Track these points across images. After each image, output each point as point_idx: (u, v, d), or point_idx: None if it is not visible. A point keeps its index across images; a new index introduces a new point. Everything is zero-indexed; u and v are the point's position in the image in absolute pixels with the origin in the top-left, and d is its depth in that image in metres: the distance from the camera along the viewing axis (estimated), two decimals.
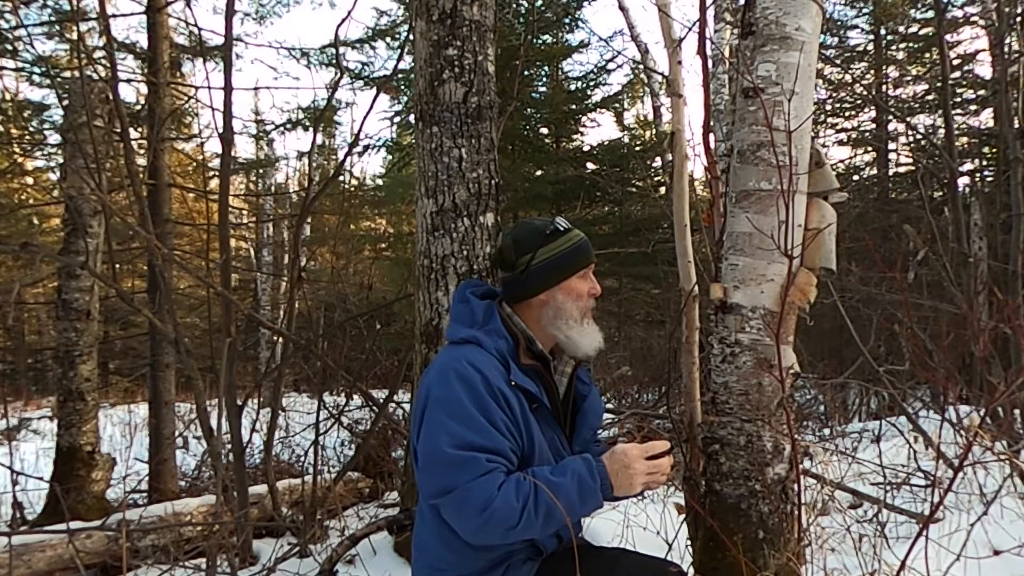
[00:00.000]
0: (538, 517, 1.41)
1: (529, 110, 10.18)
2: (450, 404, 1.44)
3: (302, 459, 5.19)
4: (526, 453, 1.53)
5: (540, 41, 10.04)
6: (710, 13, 5.95)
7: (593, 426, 1.81)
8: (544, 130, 10.75)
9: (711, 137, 2.40)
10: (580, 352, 1.66)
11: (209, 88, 10.36)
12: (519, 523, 1.40)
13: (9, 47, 6.54)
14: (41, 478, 4.92)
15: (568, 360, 1.72)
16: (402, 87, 9.52)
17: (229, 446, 3.87)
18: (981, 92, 10.76)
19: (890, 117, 11.54)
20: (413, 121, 3.41)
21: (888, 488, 3.21)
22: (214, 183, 8.05)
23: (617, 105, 11.77)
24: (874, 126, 12.19)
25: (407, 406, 4.41)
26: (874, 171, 12.56)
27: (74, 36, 6.57)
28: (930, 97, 11.24)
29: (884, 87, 12.00)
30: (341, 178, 9.58)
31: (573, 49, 10.62)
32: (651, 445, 1.53)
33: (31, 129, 8.49)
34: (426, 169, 3.04)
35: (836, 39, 11.78)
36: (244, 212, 14.99)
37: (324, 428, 4.07)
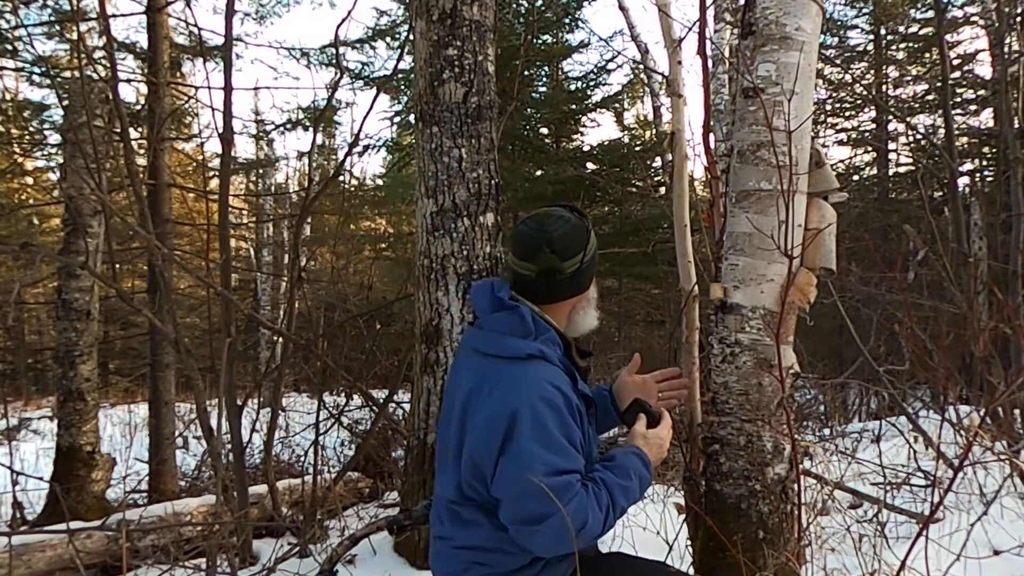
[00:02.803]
0: (614, 521, 1.48)
1: (529, 110, 10.17)
2: (538, 431, 1.42)
3: (302, 459, 5.19)
4: (587, 454, 1.56)
5: (540, 41, 10.03)
6: (710, 13, 5.95)
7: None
8: (544, 130, 10.75)
9: (711, 137, 2.40)
10: (583, 333, 1.69)
11: (209, 88, 10.40)
12: (601, 531, 1.46)
13: (9, 47, 6.54)
14: (41, 478, 4.92)
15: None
16: (402, 87, 9.52)
17: (229, 446, 3.87)
18: (981, 92, 10.75)
19: (890, 117, 11.53)
20: (413, 121, 3.41)
21: (888, 488, 3.22)
22: (214, 183, 8.06)
23: (617, 105, 11.77)
24: (874, 126, 12.18)
25: (407, 406, 4.42)
26: (874, 171, 12.55)
27: (74, 36, 6.57)
28: (930, 97, 11.24)
29: (884, 87, 11.99)
30: (341, 178, 9.57)
31: (573, 49, 10.61)
32: (666, 420, 1.65)
33: (31, 129, 8.49)
34: (426, 169, 3.04)
35: (836, 39, 11.78)
36: (244, 212, 14.99)
37: (324, 428, 4.07)
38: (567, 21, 10.20)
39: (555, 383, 1.48)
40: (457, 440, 1.55)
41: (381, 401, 4.20)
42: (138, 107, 7.64)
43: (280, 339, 6.16)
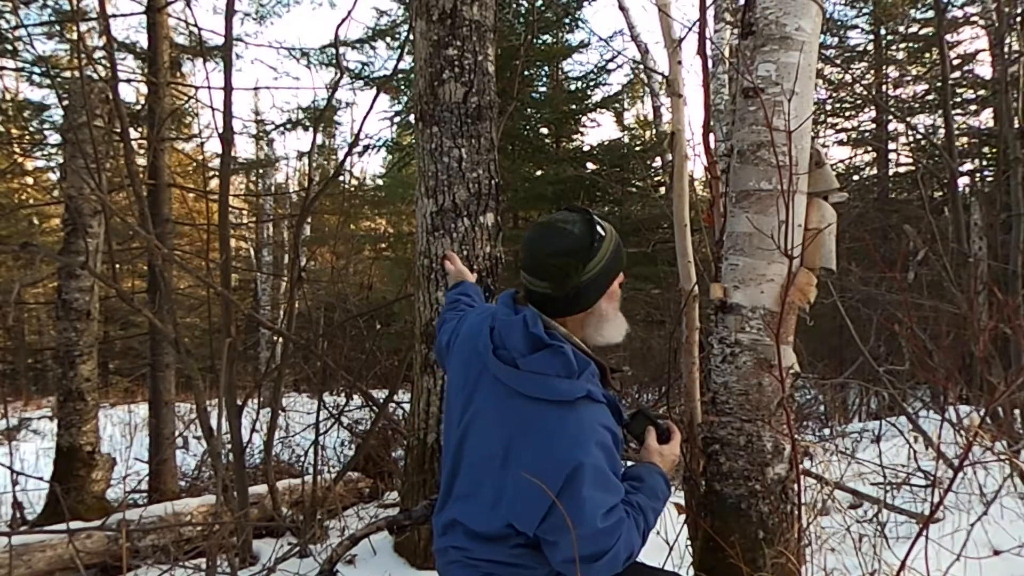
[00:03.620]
0: (645, 542, 1.50)
1: (529, 110, 10.18)
2: (598, 476, 1.43)
3: (302, 459, 5.19)
4: None
5: (540, 41, 10.04)
6: (710, 13, 5.95)
7: None
8: (544, 130, 10.76)
9: (711, 137, 2.40)
10: (607, 342, 1.62)
11: (209, 88, 10.40)
12: (638, 552, 1.48)
13: (9, 47, 6.55)
14: (41, 478, 4.91)
15: None
16: (402, 87, 9.53)
17: (229, 446, 3.87)
18: (981, 92, 10.76)
19: (890, 117, 11.53)
20: (413, 121, 3.41)
21: (888, 488, 3.21)
22: (214, 183, 8.06)
23: (617, 105, 11.78)
24: (874, 126, 12.18)
25: (407, 406, 4.42)
26: (874, 171, 12.56)
27: (74, 36, 6.58)
28: (930, 97, 11.24)
29: (884, 87, 11.99)
30: (341, 178, 9.57)
31: (573, 49, 10.63)
32: (676, 437, 1.66)
33: (31, 129, 8.49)
34: (426, 169, 3.04)
35: (836, 39, 11.78)
36: (244, 212, 14.99)
37: (324, 428, 4.07)
38: (567, 21, 10.22)
39: (606, 424, 1.48)
40: (494, 476, 1.50)
41: (381, 401, 4.20)
42: (138, 107, 7.64)
43: (280, 339, 6.17)
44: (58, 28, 7.15)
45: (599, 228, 1.56)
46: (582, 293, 1.54)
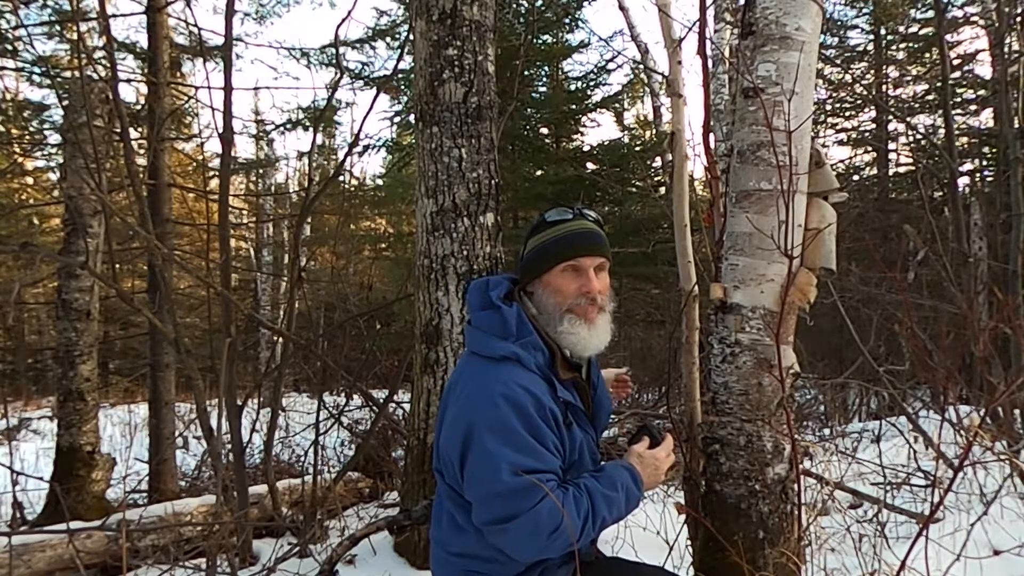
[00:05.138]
0: (594, 530, 1.45)
1: (529, 110, 10.19)
2: (503, 431, 1.39)
3: (302, 459, 5.19)
4: (570, 461, 1.52)
5: (540, 41, 10.05)
6: (710, 13, 5.95)
7: (603, 421, 1.80)
8: (544, 130, 10.76)
9: (711, 137, 2.40)
10: (571, 353, 1.58)
11: (209, 88, 10.36)
12: (580, 538, 1.41)
13: (9, 47, 6.55)
14: (41, 478, 4.91)
15: None
16: (402, 87, 9.53)
17: (229, 446, 3.87)
18: (981, 92, 10.76)
19: (890, 117, 11.54)
20: (413, 121, 3.41)
21: (888, 488, 3.22)
22: (214, 183, 8.06)
23: (617, 105, 11.80)
24: (874, 126, 12.19)
25: (407, 406, 4.42)
26: (874, 171, 12.56)
27: (74, 36, 6.58)
28: (930, 97, 11.25)
29: (884, 87, 12.00)
30: (341, 178, 9.58)
31: (573, 49, 10.63)
32: (668, 442, 1.63)
33: (31, 129, 8.50)
34: (426, 169, 3.04)
35: (836, 39, 11.79)
36: (244, 212, 15.00)
37: (324, 428, 4.07)
38: (567, 21, 10.22)
39: (524, 385, 1.44)
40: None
41: (381, 401, 4.20)
42: (138, 107, 7.64)
43: (280, 339, 6.17)
44: (58, 28, 7.15)
45: (548, 215, 1.63)
46: (522, 266, 1.62)
